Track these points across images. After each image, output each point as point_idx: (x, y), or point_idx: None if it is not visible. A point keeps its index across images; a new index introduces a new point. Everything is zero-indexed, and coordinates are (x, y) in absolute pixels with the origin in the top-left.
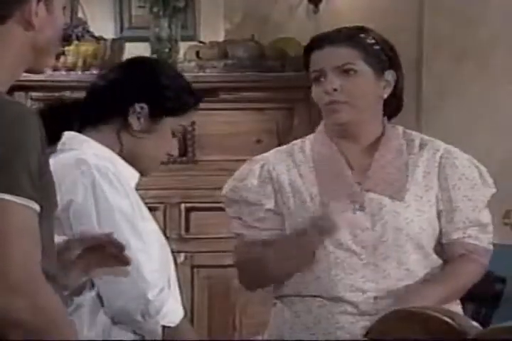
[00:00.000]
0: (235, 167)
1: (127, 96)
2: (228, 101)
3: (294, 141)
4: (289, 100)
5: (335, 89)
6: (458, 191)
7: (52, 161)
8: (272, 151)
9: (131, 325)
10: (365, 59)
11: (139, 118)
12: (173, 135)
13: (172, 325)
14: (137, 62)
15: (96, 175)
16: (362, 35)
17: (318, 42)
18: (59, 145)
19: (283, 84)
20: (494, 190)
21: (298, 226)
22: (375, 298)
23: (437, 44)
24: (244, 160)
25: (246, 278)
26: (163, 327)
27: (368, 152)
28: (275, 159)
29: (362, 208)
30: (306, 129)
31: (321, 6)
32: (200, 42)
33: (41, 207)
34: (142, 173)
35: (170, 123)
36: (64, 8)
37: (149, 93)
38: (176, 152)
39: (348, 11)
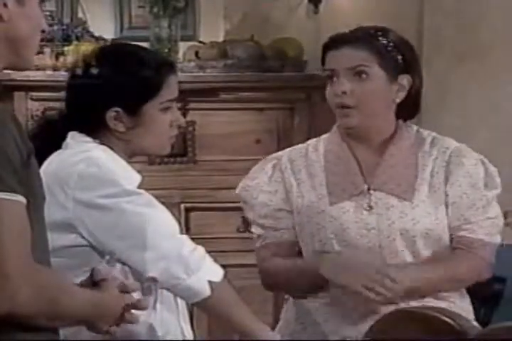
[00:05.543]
0: (235, 167)
1: (97, 109)
2: (228, 101)
3: (310, 140)
4: (289, 100)
5: (344, 92)
6: (458, 188)
7: (57, 157)
8: (287, 149)
9: (178, 287)
10: (380, 62)
11: (119, 121)
12: (171, 103)
13: (217, 280)
14: (100, 62)
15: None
16: (380, 37)
17: (335, 42)
18: (63, 146)
19: (283, 84)
20: (498, 191)
21: (304, 225)
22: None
23: (437, 44)
24: (244, 160)
25: (263, 280)
26: (210, 283)
27: (378, 151)
28: (289, 158)
29: (369, 208)
30: (306, 129)
31: (321, 6)
32: (200, 42)
33: (27, 199)
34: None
35: (153, 106)
36: (40, 2)
37: (114, 96)
38: (183, 122)
39: (348, 11)
